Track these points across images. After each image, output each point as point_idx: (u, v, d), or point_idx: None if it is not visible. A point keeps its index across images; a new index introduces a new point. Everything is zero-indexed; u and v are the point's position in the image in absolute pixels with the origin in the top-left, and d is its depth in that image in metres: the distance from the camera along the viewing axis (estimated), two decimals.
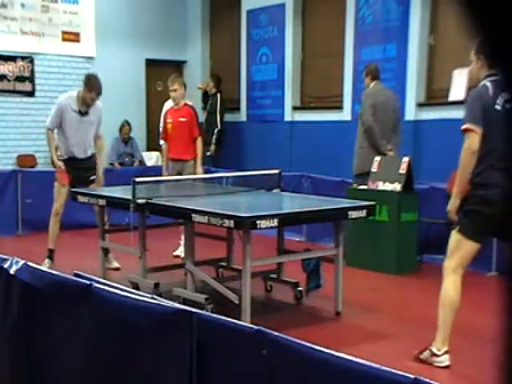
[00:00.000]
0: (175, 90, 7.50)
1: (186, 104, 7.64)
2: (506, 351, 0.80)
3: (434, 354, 4.21)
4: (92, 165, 6.90)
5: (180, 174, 7.36)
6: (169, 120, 7.56)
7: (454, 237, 4.22)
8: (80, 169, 6.80)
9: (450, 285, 4.23)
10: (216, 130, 10.83)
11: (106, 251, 6.73)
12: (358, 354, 2.17)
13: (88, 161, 6.90)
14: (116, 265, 6.91)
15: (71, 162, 6.79)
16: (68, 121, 6.68)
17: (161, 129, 8.12)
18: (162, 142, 7.96)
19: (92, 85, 6.66)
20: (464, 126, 4.10)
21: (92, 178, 6.86)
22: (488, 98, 4.02)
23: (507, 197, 0.82)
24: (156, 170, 8.32)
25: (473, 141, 4.05)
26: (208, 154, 10.64)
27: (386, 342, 4.82)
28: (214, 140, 10.74)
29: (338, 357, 2.05)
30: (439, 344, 4.21)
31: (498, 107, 3.95)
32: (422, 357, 4.26)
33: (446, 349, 4.19)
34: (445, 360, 4.19)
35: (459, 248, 4.20)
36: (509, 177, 0.82)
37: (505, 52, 0.70)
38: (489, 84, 4.06)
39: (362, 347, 4.50)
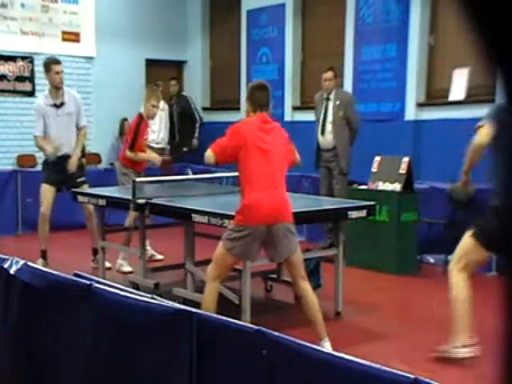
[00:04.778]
0: (158, 107, 7.09)
1: None
2: (507, 352, 0.80)
3: (456, 348, 4.17)
4: (79, 168, 6.87)
5: None
6: (145, 136, 7.04)
7: (467, 240, 4.18)
8: (66, 171, 6.73)
9: (460, 281, 4.17)
10: (198, 125, 11.07)
11: (95, 251, 6.74)
12: (358, 354, 2.16)
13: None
14: (107, 265, 6.89)
15: (57, 164, 6.74)
16: (48, 118, 6.71)
17: (128, 135, 7.09)
18: (129, 151, 6.82)
19: (45, 65, 6.79)
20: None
21: (80, 180, 6.83)
22: None
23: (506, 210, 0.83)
24: (156, 170, 8.30)
25: None
26: (186, 149, 10.80)
27: (386, 341, 4.81)
28: (197, 134, 10.98)
29: (338, 357, 2.05)
30: (461, 338, 4.16)
31: None
32: (441, 353, 4.21)
33: (469, 342, 4.14)
34: (467, 352, 4.14)
35: (470, 252, 4.16)
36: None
37: (505, 53, 0.70)
38: None
39: (362, 347, 4.49)
